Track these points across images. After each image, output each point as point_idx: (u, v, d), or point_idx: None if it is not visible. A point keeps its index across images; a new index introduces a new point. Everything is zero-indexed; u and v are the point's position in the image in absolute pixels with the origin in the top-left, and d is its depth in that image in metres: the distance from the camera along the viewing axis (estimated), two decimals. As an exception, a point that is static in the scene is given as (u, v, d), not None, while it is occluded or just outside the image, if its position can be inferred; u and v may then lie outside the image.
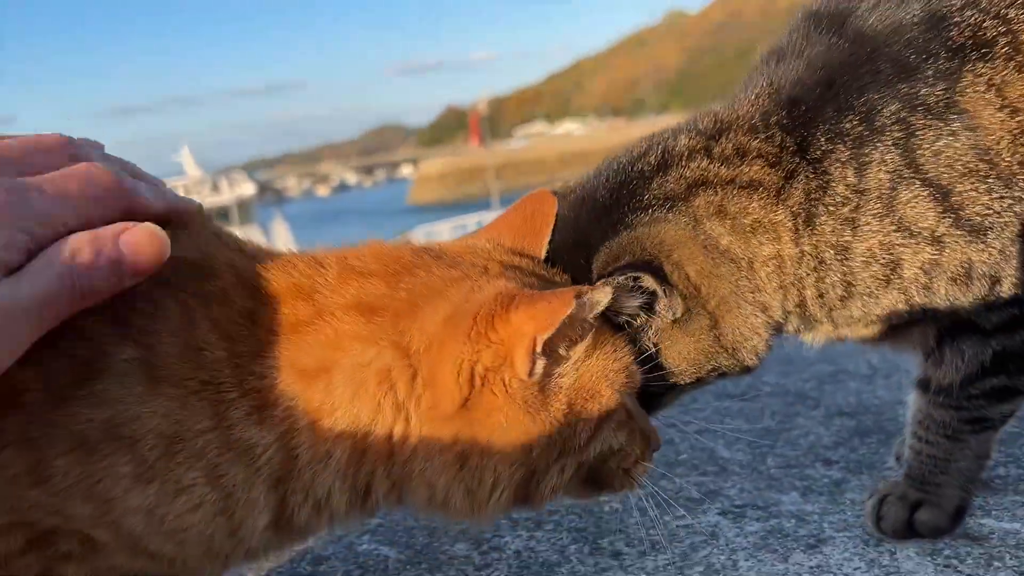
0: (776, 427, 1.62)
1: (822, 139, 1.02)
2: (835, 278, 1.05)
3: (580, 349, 0.92)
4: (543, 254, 1.07)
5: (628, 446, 0.99)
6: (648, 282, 1.01)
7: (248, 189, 39.66)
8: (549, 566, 1.23)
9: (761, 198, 1.04)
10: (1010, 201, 1.00)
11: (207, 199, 36.60)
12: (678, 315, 1.05)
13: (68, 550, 0.97)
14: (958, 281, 1.03)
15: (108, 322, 0.90)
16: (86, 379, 0.89)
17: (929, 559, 1.12)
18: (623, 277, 1.00)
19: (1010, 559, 1.10)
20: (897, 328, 1.10)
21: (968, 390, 1.09)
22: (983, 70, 0.99)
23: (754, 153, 1.05)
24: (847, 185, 1.01)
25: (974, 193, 0.99)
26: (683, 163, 1.07)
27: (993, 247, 1.02)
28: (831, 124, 1.02)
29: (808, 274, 1.05)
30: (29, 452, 0.89)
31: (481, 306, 0.88)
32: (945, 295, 1.04)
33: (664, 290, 1.02)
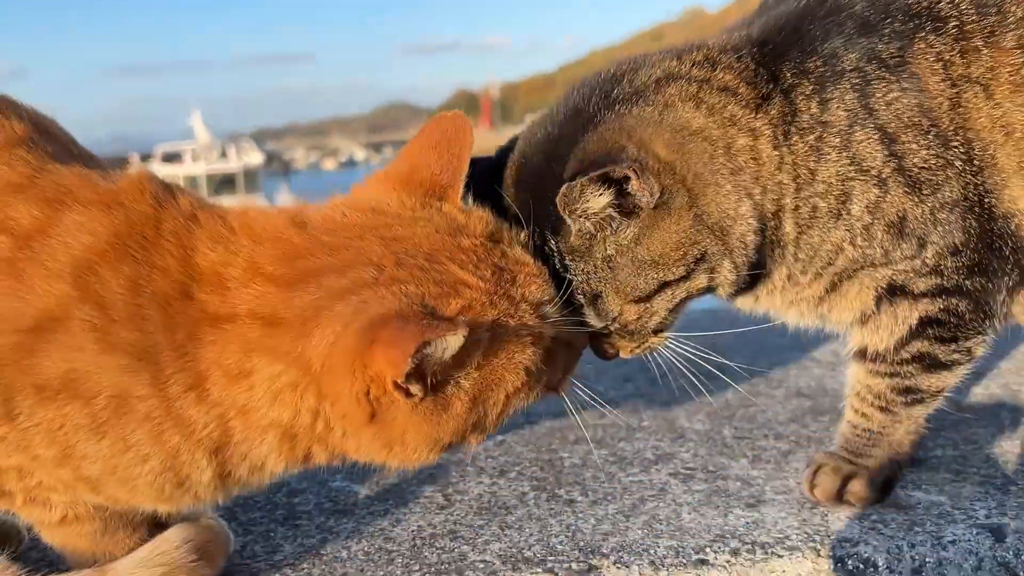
0: (737, 403, 1.71)
1: (788, 74, 1.13)
2: (806, 195, 1.13)
3: (474, 360, 0.97)
4: (461, 182, 1.11)
5: (545, 382, 1.08)
6: (617, 172, 1.05)
7: (256, 158, 39.64)
8: (507, 508, 1.32)
9: (739, 103, 1.13)
10: (943, 161, 1.10)
11: (215, 165, 36.66)
12: (655, 193, 1.08)
13: (50, 483, 1.07)
14: (892, 231, 1.12)
15: (71, 281, 0.99)
16: (50, 330, 0.98)
17: (857, 522, 1.20)
18: (587, 179, 1.05)
19: (930, 526, 1.18)
20: (838, 286, 1.18)
21: (900, 353, 1.19)
22: (934, 42, 1.11)
23: (725, 65, 1.15)
24: (811, 116, 1.12)
25: (915, 145, 1.10)
26: (653, 65, 1.17)
27: (925, 204, 1.11)
28: (796, 63, 1.13)
29: (787, 182, 1.13)
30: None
31: (357, 339, 0.92)
32: (880, 242, 1.13)
33: (634, 170, 1.05)
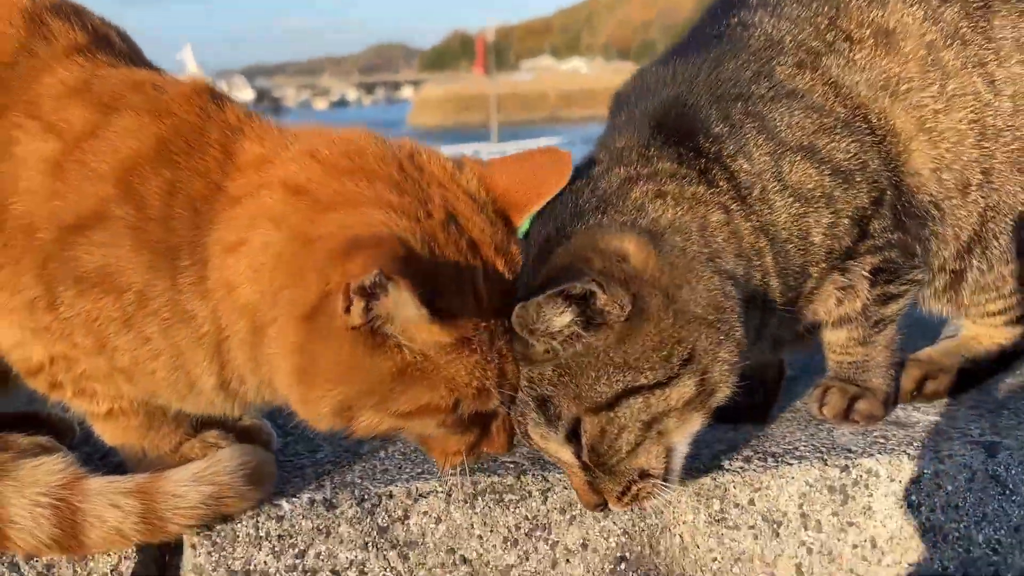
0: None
1: (706, 144, 1.17)
2: (779, 248, 1.18)
3: (421, 334, 0.97)
4: (526, 215, 1.12)
5: (447, 439, 1.09)
6: (578, 288, 0.99)
7: (247, 95, 39.26)
8: (532, 419, 1.40)
9: (693, 183, 1.15)
10: (857, 144, 1.20)
11: (205, 100, 36.24)
12: (626, 305, 1.02)
13: (91, 373, 1.14)
14: (853, 228, 1.21)
15: (113, 183, 1.05)
16: (91, 228, 1.04)
17: (861, 437, 1.29)
18: (544, 297, 0.99)
19: (929, 442, 1.28)
20: (815, 292, 1.26)
21: (868, 300, 1.27)
22: (783, 60, 1.25)
23: (656, 154, 1.17)
24: (746, 172, 1.17)
25: (832, 143, 1.20)
26: (606, 172, 1.17)
27: (862, 189, 1.20)
28: (704, 134, 1.18)
29: (764, 245, 1.16)
30: (42, 281, 1.06)
31: (357, 237, 0.96)
32: (843, 242, 1.21)
33: (598, 283, 1.00)
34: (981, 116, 1.28)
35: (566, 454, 1.08)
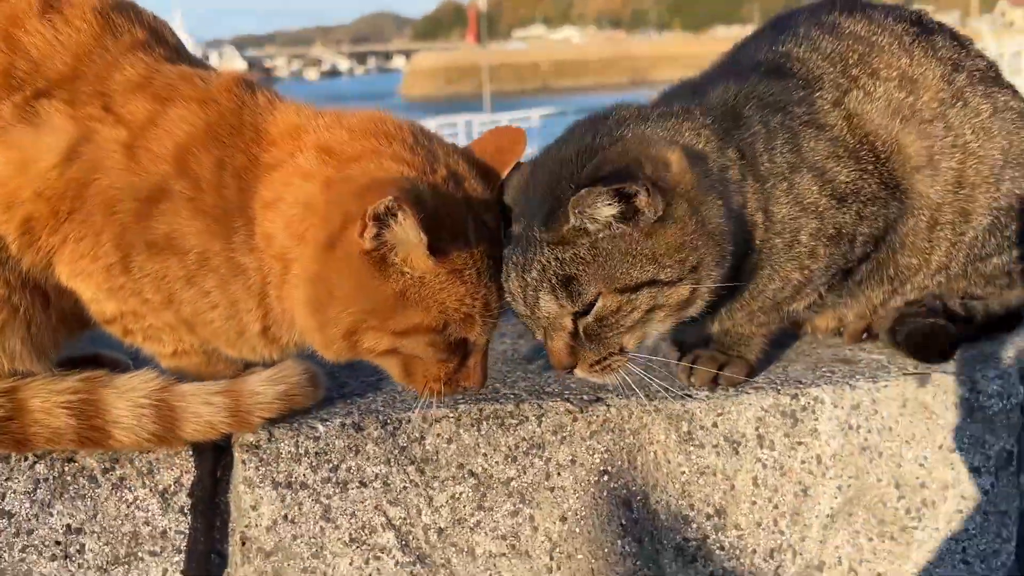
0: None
1: (745, 133, 1.37)
2: (771, 232, 1.38)
3: (420, 261, 1.19)
4: (500, 178, 1.34)
5: (432, 363, 1.28)
6: (631, 188, 1.18)
7: (238, 65, 39.12)
8: (528, 359, 1.61)
9: (726, 144, 1.35)
10: (859, 172, 1.40)
11: (196, 71, 36.09)
12: (659, 210, 1.20)
13: (158, 324, 1.35)
14: (833, 239, 1.40)
15: (171, 162, 1.26)
16: (157, 201, 1.25)
17: (810, 371, 1.51)
18: (603, 189, 1.18)
19: (869, 374, 1.48)
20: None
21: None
22: (824, 94, 1.44)
23: (699, 120, 1.37)
24: (766, 166, 1.37)
25: (837, 168, 1.39)
26: (651, 109, 1.39)
27: (851, 210, 1.40)
28: (746, 125, 1.38)
29: (760, 222, 1.36)
30: (119, 249, 1.26)
31: (369, 179, 1.20)
32: (825, 255, 1.41)
33: (647, 188, 1.18)
34: (963, 167, 1.48)
35: (568, 322, 1.28)
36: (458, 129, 25.52)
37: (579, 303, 1.26)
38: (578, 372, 1.32)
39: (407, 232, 1.15)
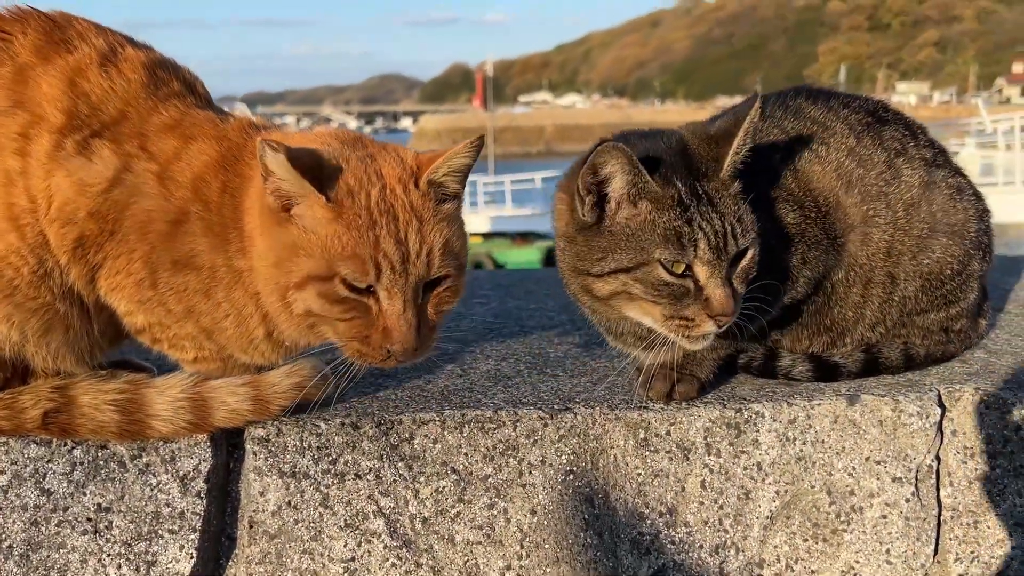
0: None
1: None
2: None
3: (304, 208, 1.39)
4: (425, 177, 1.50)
5: (330, 319, 1.44)
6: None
7: (248, 121, 39.74)
8: (508, 377, 1.81)
9: None
10: (802, 217, 1.66)
11: (207, 127, 36.69)
12: None
13: (181, 334, 1.57)
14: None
15: (190, 188, 1.50)
16: (181, 223, 1.47)
17: (755, 390, 1.71)
18: None
19: (805, 394, 1.68)
20: None
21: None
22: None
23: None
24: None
25: (784, 211, 1.65)
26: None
27: (796, 253, 1.64)
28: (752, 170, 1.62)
29: None
30: (148, 265, 1.48)
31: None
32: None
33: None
34: (892, 239, 1.72)
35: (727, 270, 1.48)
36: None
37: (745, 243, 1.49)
38: (733, 318, 1.49)
39: (280, 169, 1.35)
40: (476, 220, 24.87)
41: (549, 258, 22.83)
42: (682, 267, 1.46)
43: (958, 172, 1.81)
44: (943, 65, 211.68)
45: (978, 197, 1.80)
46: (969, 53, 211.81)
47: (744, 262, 1.51)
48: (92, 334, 1.57)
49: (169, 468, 1.53)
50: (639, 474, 1.61)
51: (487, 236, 24.23)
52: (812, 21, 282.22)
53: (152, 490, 1.52)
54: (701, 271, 1.47)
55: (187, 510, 1.52)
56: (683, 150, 1.54)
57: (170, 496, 1.52)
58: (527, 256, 22.37)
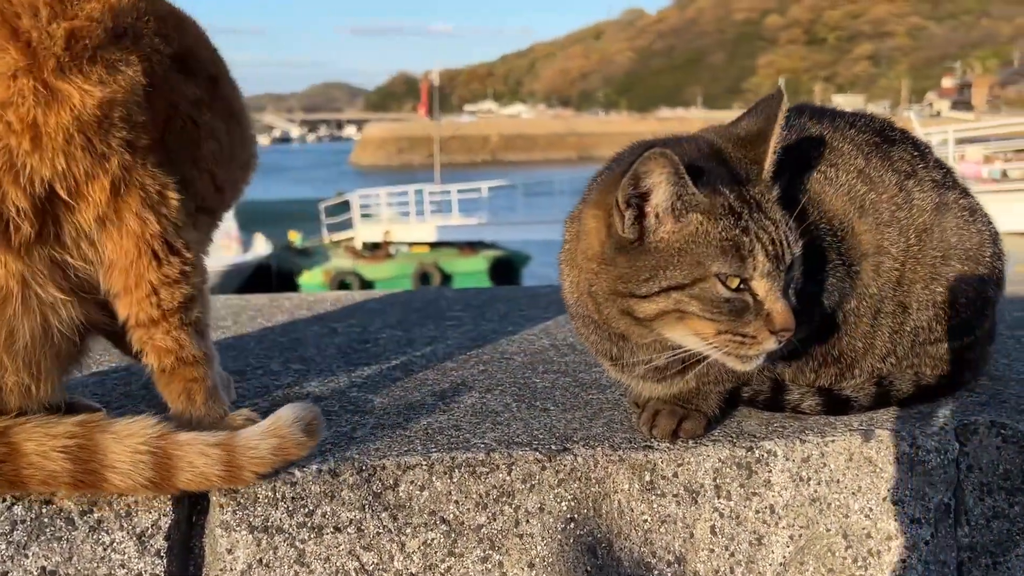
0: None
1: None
2: None
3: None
4: None
5: None
6: None
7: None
8: (496, 412, 1.68)
9: None
10: (819, 241, 1.54)
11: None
12: None
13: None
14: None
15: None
16: None
17: (764, 426, 1.60)
18: None
19: (817, 429, 1.58)
20: None
21: None
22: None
23: None
24: None
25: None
26: None
27: (815, 279, 1.52)
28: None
29: None
30: None
31: None
32: None
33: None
34: (903, 267, 1.62)
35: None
36: (408, 198, 25.85)
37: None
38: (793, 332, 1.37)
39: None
40: (422, 229, 24.69)
41: (496, 269, 22.87)
42: (737, 281, 1.35)
43: (967, 193, 1.73)
44: (877, 79, 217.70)
45: (989, 219, 1.71)
46: (902, 67, 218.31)
47: (796, 272, 1.42)
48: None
49: (124, 524, 1.35)
50: (645, 520, 1.48)
51: (434, 246, 24.03)
52: (751, 35, 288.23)
53: (105, 549, 1.34)
54: (760, 284, 1.35)
55: (145, 571, 1.35)
56: (718, 154, 1.43)
57: (125, 556, 1.35)
58: (474, 266, 22.24)
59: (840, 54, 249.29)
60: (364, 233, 24.63)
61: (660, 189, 1.34)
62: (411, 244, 24.24)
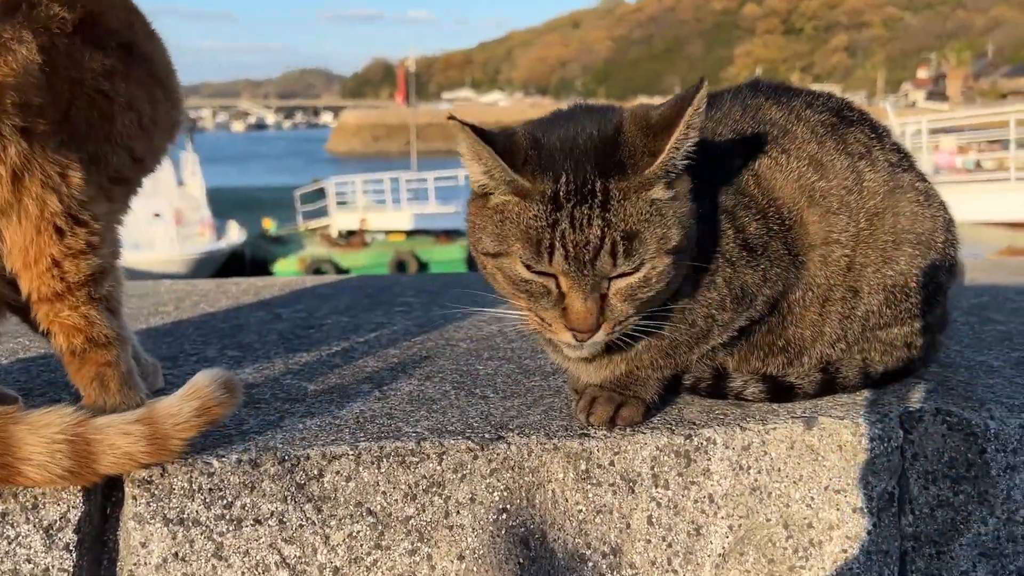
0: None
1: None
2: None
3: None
4: None
5: None
6: None
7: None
8: (433, 400, 1.62)
9: None
10: (765, 229, 1.49)
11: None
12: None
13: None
14: (738, 298, 1.48)
15: None
16: None
17: (704, 413, 1.55)
18: None
19: (759, 416, 1.53)
20: None
21: None
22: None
23: None
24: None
25: (747, 219, 1.49)
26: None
27: (758, 269, 1.48)
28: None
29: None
30: None
31: None
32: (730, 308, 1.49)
33: None
34: (854, 253, 1.57)
35: (606, 283, 1.31)
36: (384, 185, 25.67)
37: (633, 263, 1.29)
38: (599, 335, 1.32)
39: None
40: (399, 217, 24.52)
41: (472, 258, 22.62)
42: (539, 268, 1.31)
43: (923, 177, 1.68)
44: (854, 70, 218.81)
45: (944, 205, 1.67)
46: (878, 58, 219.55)
47: (632, 279, 1.31)
48: None
49: (31, 517, 1.28)
50: (580, 511, 1.44)
51: (410, 234, 23.89)
52: (728, 24, 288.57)
53: (9, 544, 1.28)
54: (562, 280, 1.31)
55: (53, 566, 1.28)
56: (610, 138, 1.32)
57: (31, 551, 1.28)
58: (451, 254, 22.12)
59: (817, 44, 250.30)
60: (340, 221, 24.44)
61: (471, 164, 1.35)
62: (387, 232, 24.09)
